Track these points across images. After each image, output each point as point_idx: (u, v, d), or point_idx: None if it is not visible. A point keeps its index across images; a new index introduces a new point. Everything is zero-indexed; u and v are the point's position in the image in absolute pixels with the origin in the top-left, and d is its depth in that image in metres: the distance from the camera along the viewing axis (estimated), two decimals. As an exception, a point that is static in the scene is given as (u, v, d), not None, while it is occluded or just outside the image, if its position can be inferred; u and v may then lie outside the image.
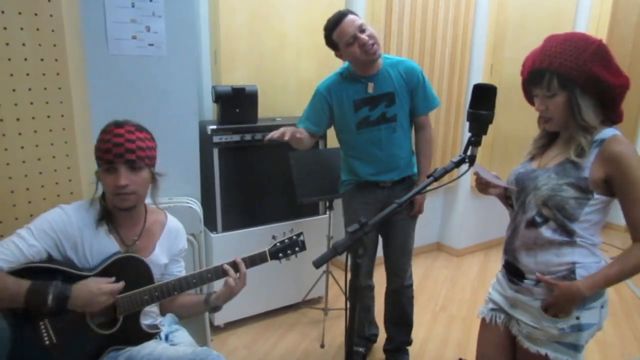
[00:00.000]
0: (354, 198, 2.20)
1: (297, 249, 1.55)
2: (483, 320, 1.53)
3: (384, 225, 2.23)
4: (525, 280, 1.37)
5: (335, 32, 1.92)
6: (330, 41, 1.97)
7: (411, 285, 2.32)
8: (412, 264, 2.31)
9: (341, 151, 2.23)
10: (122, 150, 1.35)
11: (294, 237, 1.55)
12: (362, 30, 1.90)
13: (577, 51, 1.23)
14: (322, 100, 2.08)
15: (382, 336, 2.52)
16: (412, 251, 2.29)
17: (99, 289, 1.31)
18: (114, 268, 1.39)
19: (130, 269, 1.40)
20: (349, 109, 2.05)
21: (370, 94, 2.02)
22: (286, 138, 1.91)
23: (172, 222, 1.59)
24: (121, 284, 1.36)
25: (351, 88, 2.04)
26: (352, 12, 1.94)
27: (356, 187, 2.19)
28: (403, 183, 2.15)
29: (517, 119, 3.62)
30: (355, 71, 2.03)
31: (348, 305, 1.18)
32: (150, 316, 1.55)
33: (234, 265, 1.46)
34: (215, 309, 1.51)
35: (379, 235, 2.29)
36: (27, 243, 1.30)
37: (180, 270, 1.61)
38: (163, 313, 1.61)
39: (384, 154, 2.07)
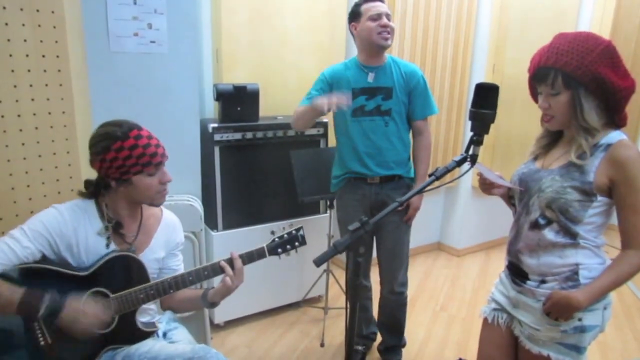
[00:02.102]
0: (344, 195, 2.23)
1: (296, 243, 1.51)
2: (485, 320, 1.52)
3: (376, 229, 2.21)
4: (529, 282, 1.36)
5: (368, 4, 2.02)
6: (356, 11, 2.05)
7: (403, 293, 2.28)
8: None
9: (336, 142, 2.25)
10: (162, 151, 1.40)
11: (294, 231, 1.51)
12: (388, 19, 2.03)
13: (584, 51, 1.21)
14: (325, 83, 2.14)
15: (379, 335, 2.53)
16: (404, 257, 2.24)
17: (85, 315, 1.28)
18: (108, 267, 1.37)
19: (124, 268, 1.39)
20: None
21: (370, 84, 2.07)
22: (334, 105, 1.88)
23: (168, 216, 1.58)
24: (108, 316, 1.35)
25: (353, 76, 2.10)
26: None
27: (346, 183, 2.22)
28: (392, 182, 2.15)
29: (519, 118, 3.62)
30: (360, 59, 2.10)
31: (348, 304, 1.18)
32: (147, 313, 1.55)
33: (231, 262, 1.45)
34: (213, 304, 1.50)
35: (373, 238, 2.28)
36: (21, 245, 1.28)
37: (178, 264, 1.60)
38: (163, 308, 1.60)
39: (372, 145, 2.10)
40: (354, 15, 2.06)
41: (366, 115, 2.08)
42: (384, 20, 2.00)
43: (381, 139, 2.09)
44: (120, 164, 1.33)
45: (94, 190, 1.41)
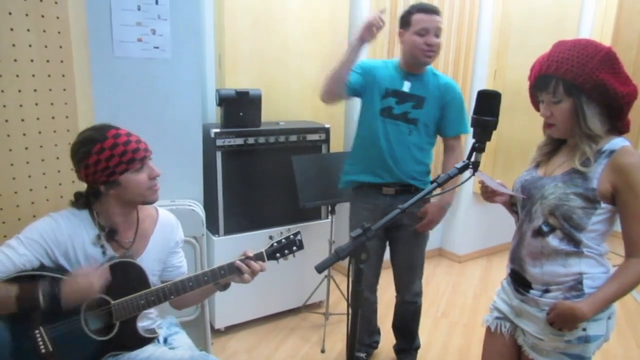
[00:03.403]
0: (356, 203, 2.21)
1: (294, 248, 1.51)
2: (488, 328, 1.51)
3: (390, 239, 2.22)
4: (532, 291, 1.35)
5: (420, 15, 1.94)
6: (407, 18, 1.98)
7: (416, 302, 2.28)
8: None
9: (355, 139, 2.19)
10: (145, 146, 1.39)
11: (291, 236, 1.51)
12: (437, 35, 1.95)
13: (585, 58, 1.21)
14: (359, 67, 2.06)
15: (385, 340, 2.51)
16: (418, 268, 2.23)
17: (87, 274, 1.28)
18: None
19: (124, 274, 1.38)
20: (378, 93, 2.05)
21: (403, 91, 2.04)
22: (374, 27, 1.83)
23: (164, 215, 1.57)
24: (106, 266, 1.34)
25: (389, 76, 2.06)
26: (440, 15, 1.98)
27: (359, 191, 2.19)
28: (409, 193, 2.09)
29: (520, 125, 3.62)
30: (400, 63, 2.06)
31: (350, 311, 1.18)
32: (148, 318, 1.54)
33: (238, 269, 1.45)
34: (226, 286, 1.51)
35: (385, 248, 2.27)
36: (17, 252, 1.28)
37: (180, 261, 1.59)
38: (173, 306, 1.59)
39: (389, 150, 2.04)
40: (404, 22, 1.99)
41: (392, 118, 2.04)
42: (432, 38, 1.92)
43: (401, 146, 2.04)
44: (104, 166, 1.32)
45: (85, 201, 1.40)
